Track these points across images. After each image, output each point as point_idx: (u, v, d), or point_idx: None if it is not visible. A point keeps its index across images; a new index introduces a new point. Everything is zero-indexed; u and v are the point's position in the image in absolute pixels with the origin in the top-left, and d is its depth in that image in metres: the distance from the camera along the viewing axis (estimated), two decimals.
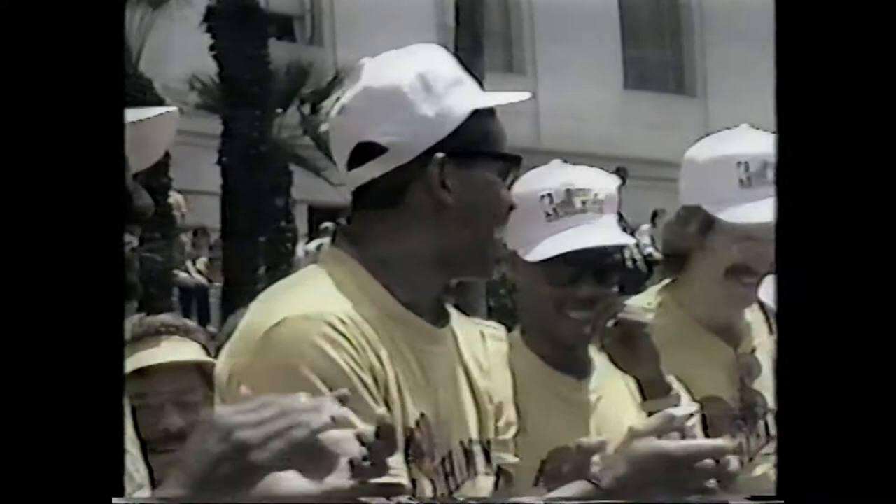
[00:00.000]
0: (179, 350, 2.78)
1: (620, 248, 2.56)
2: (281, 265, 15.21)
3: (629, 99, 23.30)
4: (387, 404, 1.95)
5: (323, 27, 21.68)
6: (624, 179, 3.42)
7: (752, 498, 1.93)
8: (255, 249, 15.17)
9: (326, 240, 16.27)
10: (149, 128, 1.93)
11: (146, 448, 2.21)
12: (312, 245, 16.84)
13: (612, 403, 2.51)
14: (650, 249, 15.33)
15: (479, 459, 2.09)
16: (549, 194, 2.52)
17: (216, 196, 15.64)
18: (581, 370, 2.53)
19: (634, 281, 3.91)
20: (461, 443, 2.07)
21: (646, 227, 16.42)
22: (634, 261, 13.23)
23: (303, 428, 1.56)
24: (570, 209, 2.52)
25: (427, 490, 1.99)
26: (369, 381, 1.95)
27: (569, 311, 2.47)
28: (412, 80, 2.03)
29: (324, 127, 16.63)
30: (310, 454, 1.57)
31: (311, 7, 21.75)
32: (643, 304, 2.76)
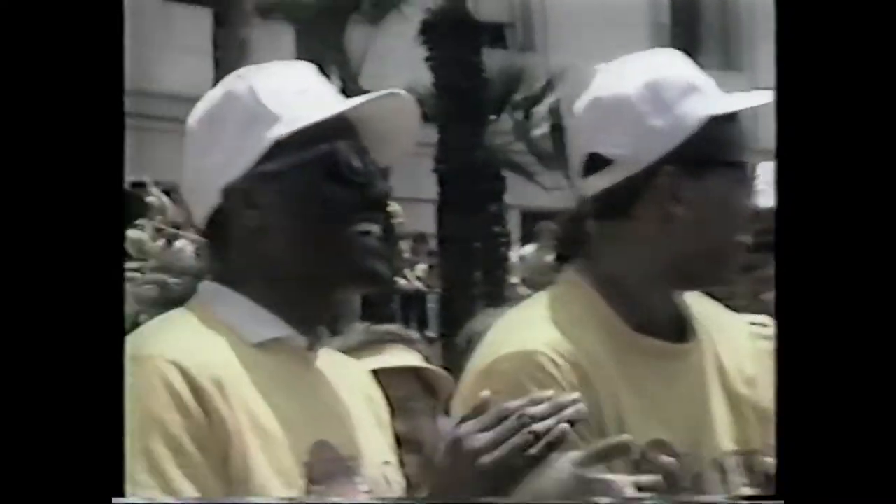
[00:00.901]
0: (402, 357, 2.89)
1: None
2: (496, 270, 15.32)
3: None
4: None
5: (535, 33, 21.68)
6: None
7: (753, 498, 1.94)
8: (471, 255, 15.29)
9: (533, 246, 16.13)
10: (385, 116, 1.96)
11: None
12: (526, 250, 16.90)
13: None
14: None
15: (735, 473, 2.06)
16: None
17: (432, 203, 15.85)
18: None
19: None
20: (714, 459, 2.05)
21: None
22: None
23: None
24: None
25: None
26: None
27: None
28: (640, 89, 2.01)
29: (536, 132, 16.72)
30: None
31: (522, 14, 21.78)
32: None
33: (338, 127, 1.95)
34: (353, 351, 2.78)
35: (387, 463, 2.02)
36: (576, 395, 1.79)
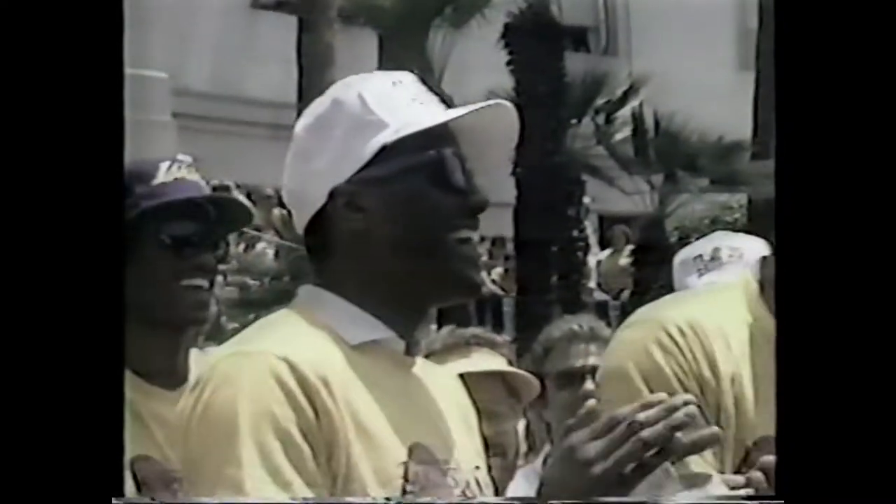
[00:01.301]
0: (488, 361, 2.92)
1: None
2: (572, 275, 15.27)
3: None
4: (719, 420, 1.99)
5: (618, 37, 21.60)
6: None
7: (753, 498, 1.92)
8: (548, 259, 15.25)
9: (609, 251, 16.05)
10: (486, 126, 2.00)
11: None
12: (603, 254, 16.83)
13: None
14: None
15: None
16: None
17: (509, 207, 15.83)
18: None
19: None
20: None
21: None
22: None
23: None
24: None
25: None
26: (695, 391, 2.00)
27: None
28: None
29: (618, 137, 16.64)
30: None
31: (605, 17, 21.69)
32: None
33: (441, 135, 1.99)
34: (438, 354, 2.81)
35: (477, 468, 2.06)
36: (687, 396, 1.80)
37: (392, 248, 1.97)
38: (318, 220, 2.00)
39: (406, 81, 2.03)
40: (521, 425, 3.13)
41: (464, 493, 1.98)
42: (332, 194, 1.98)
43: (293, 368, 1.86)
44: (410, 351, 2.01)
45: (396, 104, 2.00)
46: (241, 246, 14.66)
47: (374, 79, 2.04)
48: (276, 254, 14.23)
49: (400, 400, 1.97)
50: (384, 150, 1.98)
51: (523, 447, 3.31)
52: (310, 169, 2.00)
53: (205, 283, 2.47)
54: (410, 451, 1.93)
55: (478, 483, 2.03)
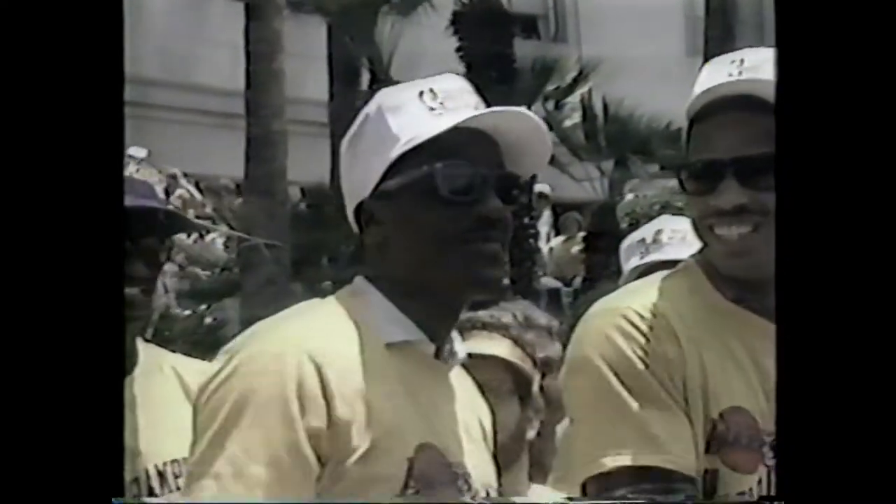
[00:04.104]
0: (485, 346, 2.85)
1: None
2: (525, 262, 15.30)
3: None
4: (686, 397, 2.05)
5: (567, 24, 21.65)
6: None
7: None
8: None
9: (561, 238, 16.08)
10: (513, 129, 2.02)
11: None
12: (555, 242, 16.87)
13: None
14: None
15: None
16: None
17: None
18: None
19: None
20: None
21: None
22: None
23: None
24: None
25: None
26: (662, 373, 2.05)
27: None
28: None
29: (568, 123, 16.68)
30: None
31: (554, 4, 21.74)
32: None
33: (469, 143, 2.01)
34: None
35: (492, 486, 2.10)
36: None
37: (407, 258, 2.02)
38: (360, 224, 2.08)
39: (438, 88, 2.05)
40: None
41: (474, 498, 2.00)
42: (357, 209, 2.06)
43: (319, 371, 1.91)
44: (440, 355, 2.05)
45: (414, 116, 2.03)
46: (192, 237, 14.57)
47: (402, 90, 2.07)
48: (227, 244, 14.15)
49: (421, 400, 2.01)
50: (398, 164, 2.02)
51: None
52: (349, 181, 2.08)
53: (134, 291, 2.45)
54: (419, 449, 1.95)
55: (488, 495, 2.06)
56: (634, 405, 2.05)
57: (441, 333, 2.06)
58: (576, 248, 16.09)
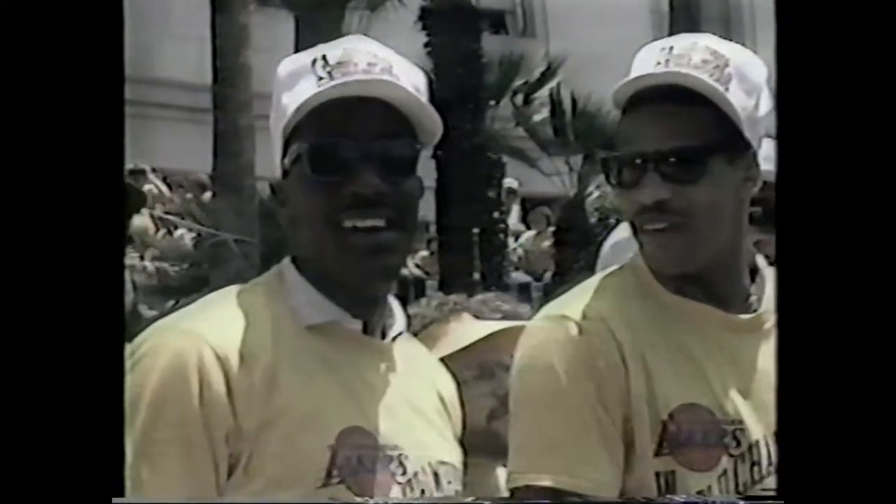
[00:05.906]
0: (467, 334, 2.78)
1: None
2: (495, 256, 15.33)
3: None
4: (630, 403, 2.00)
5: (535, 19, 21.68)
6: None
7: (753, 498, 1.94)
8: (470, 242, 15.30)
9: (532, 232, 16.13)
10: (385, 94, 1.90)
11: None
12: (524, 236, 16.89)
13: None
14: None
15: None
16: None
17: (431, 191, 15.84)
18: None
19: None
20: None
21: None
22: None
23: None
24: None
25: None
26: (589, 385, 1.99)
27: None
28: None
29: (536, 118, 16.71)
30: None
31: (521, 0, 21.79)
32: None
33: (353, 114, 1.89)
34: (429, 328, 2.72)
35: (443, 463, 2.00)
36: None
37: (304, 242, 1.94)
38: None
39: (332, 55, 1.93)
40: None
41: (409, 482, 1.91)
42: (271, 188, 1.99)
43: (218, 356, 1.84)
44: (369, 330, 1.95)
45: (302, 87, 1.91)
46: (160, 232, 14.52)
47: (298, 59, 1.97)
48: (196, 241, 14.11)
49: (350, 381, 1.92)
50: (292, 140, 1.92)
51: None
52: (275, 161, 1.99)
53: None
54: (341, 435, 1.87)
55: (437, 477, 1.97)
56: (553, 423, 2.00)
57: (367, 309, 1.95)
58: (545, 243, 16.13)
